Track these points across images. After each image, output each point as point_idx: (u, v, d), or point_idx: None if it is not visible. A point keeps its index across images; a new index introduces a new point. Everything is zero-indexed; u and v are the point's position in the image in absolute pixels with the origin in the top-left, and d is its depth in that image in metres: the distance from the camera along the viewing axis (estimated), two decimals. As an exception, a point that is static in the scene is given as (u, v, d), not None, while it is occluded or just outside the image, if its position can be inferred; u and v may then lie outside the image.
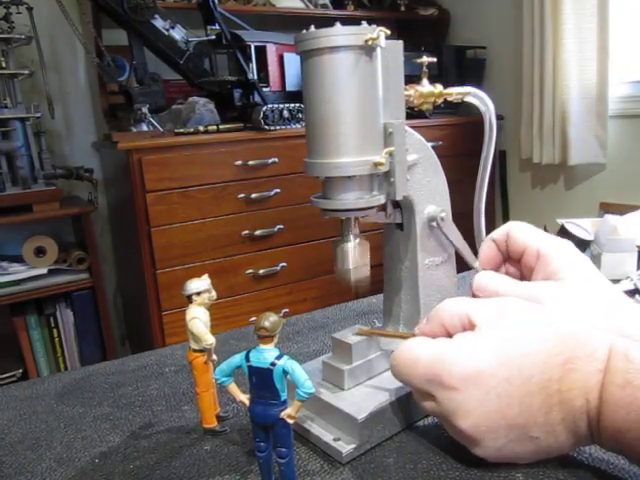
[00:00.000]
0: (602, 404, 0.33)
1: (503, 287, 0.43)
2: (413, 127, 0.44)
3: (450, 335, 0.39)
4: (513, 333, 0.36)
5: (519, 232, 0.46)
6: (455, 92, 0.48)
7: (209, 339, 0.41)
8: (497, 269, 0.48)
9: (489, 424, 0.35)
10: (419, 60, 0.47)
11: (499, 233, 0.47)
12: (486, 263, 0.48)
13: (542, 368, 0.35)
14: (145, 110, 1.75)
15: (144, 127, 1.78)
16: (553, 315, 0.37)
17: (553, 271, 0.42)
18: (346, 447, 0.40)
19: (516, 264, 0.47)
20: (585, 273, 0.42)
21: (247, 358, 0.34)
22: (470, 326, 0.38)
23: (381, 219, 0.47)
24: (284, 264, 1.96)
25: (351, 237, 0.44)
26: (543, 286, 0.42)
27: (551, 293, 0.41)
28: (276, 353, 0.34)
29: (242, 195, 1.85)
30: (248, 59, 1.83)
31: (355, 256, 0.44)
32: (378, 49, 0.40)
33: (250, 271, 1.90)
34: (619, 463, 0.37)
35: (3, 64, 1.70)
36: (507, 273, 0.47)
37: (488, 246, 0.48)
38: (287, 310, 1.97)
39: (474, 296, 0.45)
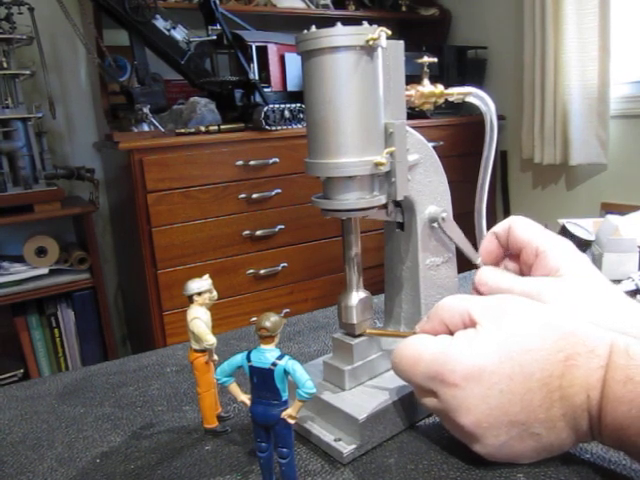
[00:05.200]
0: (603, 400, 0.33)
1: (504, 282, 0.44)
2: (414, 127, 0.45)
3: (451, 332, 0.39)
4: (514, 330, 0.36)
5: (520, 228, 0.46)
6: (456, 92, 0.48)
7: (210, 339, 0.41)
8: (497, 263, 0.48)
9: (491, 421, 0.35)
10: (420, 60, 0.47)
11: (501, 227, 0.47)
12: (486, 256, 0.48)
13: (543, 365, 0.35)
14: (146, 110, 1.75)
15: (145, 127, 1.78)
16: (553, 312, 0.37)
17: (552, 268, 0.43)
18: (347, 447, 0.40)
19: (515, 259, 0.47)
20: (584, 271, 0.43)
21: (248, 358, 0.34)
22: (471, 323, 0.38)
23: (382, 217, 0.47)
24: (285, 264, 1.96)
25: (354, 293, 0.45)
26: (543, 282, 0.42)
27: (551, 289, 0.41)
28: (277, 353, 0.34)
29: (243, 195, 1.85)
30: (249, 59, 1.83)
31: (359, 312, 0.45)
32: (379, 49, 0.40)
33: (251, 271, 1.90)
34: (621, 461, 0.37)
35: (4, 64, 1.70)
36: (506, 269, 0.48)
37: (489, 240, 0.48)
38: (288, 310, 1.97)
39: (476, 291, 0.46)
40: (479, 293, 0.46)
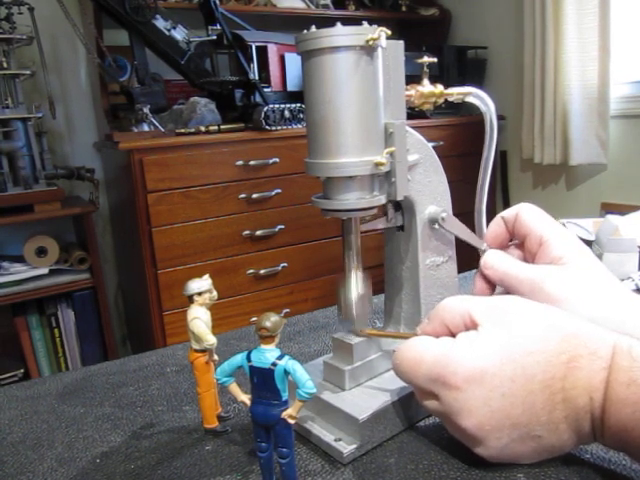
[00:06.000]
0: (607, 402, 0.33)
1: (511, 268, 0.44)
2: (414, 127, 0.45)
3: (452, 334, 0.39)
4: (516, 332, 0.36)
5: (527, 215, 0.47)
6: (456, 92, 0.48)
7: (210, 339, 0.41)
8: (501, 248, 0.49)
9: (493, 423, 0.35)
10: (420, 60, 0.47)
11: (509, 212, 0.48)
12: (492, 240, 0.49)
13: (545, 367, 0.35)
14: (146, 110, 1.75)
15: (145, 127, 1.78)
16: (555, 313, 0.37)
17: (555, 257, 0.43)
18: (347, 447, 0.40)
19: (521, 248, 0.48)
20: (586, 261, 0.43)
21: (248, 358, 0.34)
22: (472, 324, 0.38)
23: (382, 224, 0.47)
24: (285, 264, 1.96)
25: (353, 289, 0.44)
26: (548, 270, 0.43)
27: (555, 277, 0.42)
28: (277, 353, 0.34)
29: (243, 195, 1.85)
30: (249, 59, 1.83)
31: (358, 309, 0.45)
32: (379, 49, 0.40)
33: (251, 271, 1.90)
34: (621, 462, 0.37)
35: (5, 64, 1.70)
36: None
37: (497, 223, 0.49)
38: (288, 310, 1.97)
39: (481, 274, 0.46)
40: (484, 276, 0.46)
